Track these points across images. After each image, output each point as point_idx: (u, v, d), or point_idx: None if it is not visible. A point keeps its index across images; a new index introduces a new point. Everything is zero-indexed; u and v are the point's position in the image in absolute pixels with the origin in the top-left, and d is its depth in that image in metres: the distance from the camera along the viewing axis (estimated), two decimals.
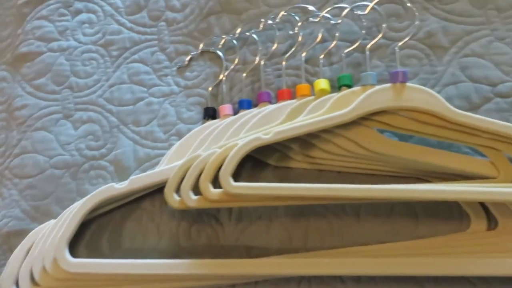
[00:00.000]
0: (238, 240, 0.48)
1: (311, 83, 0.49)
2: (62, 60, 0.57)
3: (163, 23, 0.57)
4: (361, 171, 0.48)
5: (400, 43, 0.45)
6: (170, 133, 0.53)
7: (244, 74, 0.52)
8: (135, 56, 0.57)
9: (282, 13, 0.52)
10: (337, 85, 0.47)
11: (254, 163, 0.50)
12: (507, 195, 0.38)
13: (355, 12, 0.47)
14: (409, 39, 0.46)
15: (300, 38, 0.51)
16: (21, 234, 0.50)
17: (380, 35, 0.47)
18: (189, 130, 0.52)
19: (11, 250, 0.49)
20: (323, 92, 0.47)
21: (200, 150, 0.48)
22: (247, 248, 0.48)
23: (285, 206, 0.48)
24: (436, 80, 0.49)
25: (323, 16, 0.49)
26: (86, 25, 0.59)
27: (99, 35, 0.58)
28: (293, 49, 0.51)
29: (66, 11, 0.60)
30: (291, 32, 0.51)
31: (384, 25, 0.47)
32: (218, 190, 0.44)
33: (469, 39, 0.49)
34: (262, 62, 0.52)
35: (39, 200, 0.52)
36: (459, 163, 0.43)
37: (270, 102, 0.50)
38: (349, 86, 0.46)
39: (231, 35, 0.54)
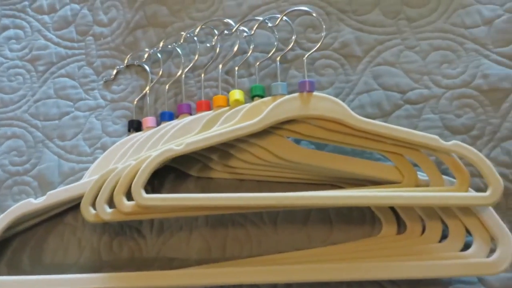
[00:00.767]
0: (160, 252, 0.48)
1: None
2: None
3: (90, 38, 0.58)
4: (279, 180, 0.48)
5: (307, 54, 0.46)
6: (95, 147, 0.53)
7: (167, 87, 0.53)
8: (62, 71, 0.57)
9: (201, 26, 0.53)
10: (250, 96, 0.48)
11: (176, 174, 0.51)
12: (404, 199, 0.39)
13: (268, 24, 0.48)
14: (315, 50, 0.47)
15: (218, 50, 0.51)
16: None
17: (289, 47, 0.48)
18: (114, 143, 0.52)
19: None
20: (237, 103, 0.48)
21: (121, 163, 0.49)
22: (168, 259, 0.48)
23: (205, 216, 0.49)
24: (350, 88, 0.50)
25: (240, 29, 0.50)
26: (13, 40, 0.58)
27: (26, 50, 0.58)
28: (212, 61, 0.52)
29: None
30: (208, 45, 0.52)
31: (293, 37, 0.48)
32: (131, 203, 0.44)
33: (381, 48, 0.50)
34: (183, 75, 0.52)
35: None
36: (367, 169, 0.44)
37: (190, 114, 0.51)
38: (262, 96, 0.47)
39: (155, 48, 0.55)
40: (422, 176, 0.43)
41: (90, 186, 0.46)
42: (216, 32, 0.52)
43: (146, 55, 0.55)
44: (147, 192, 0.50)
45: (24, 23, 0.59)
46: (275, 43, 0.49)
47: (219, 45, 0.52)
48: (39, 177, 0.53)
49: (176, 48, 0.54)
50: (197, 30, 0.52)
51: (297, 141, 0.48)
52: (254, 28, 0.49)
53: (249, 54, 0.50)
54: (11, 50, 0.58)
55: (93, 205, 0.45)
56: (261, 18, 0.49)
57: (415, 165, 0.43)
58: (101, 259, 0.49)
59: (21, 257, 0.50)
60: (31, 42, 0.58)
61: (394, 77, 0.49)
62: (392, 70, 0.49)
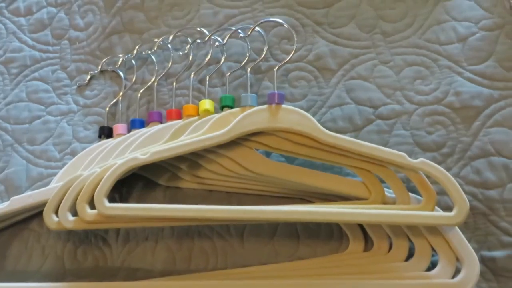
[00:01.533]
0: (125, 262, 0.47)
1: None
2: None
3: (66, 42, 0.57)
4: (248, 192, 0.48)
5: (278, 66, 0.46)
6: (64, 152, 0.52)
7: (139, 94, 0.52)
8: (35, 74, 0.56)
9: (175, 34, 0.52)
10: (219, 106, 0.47)
11: (145, 183, 0.50)
12: (369, 216, 0.39)
13: (240, 34, 0.48)
14: (286, 62, 0.46)
15: (190, 59, 0.51)
16: None
17: (261, 57, 0.47)
18: (84, 149, 0.51)
19: None
20: (206, 113, 0.47)
21: (87, 170, 0.48)
22: (133, 270, 0.47)
23: (171, 227, 0.48)
24: (323, 101, 0.49)
25: (213, 38, 0.50)
26: None
27: (0, 52, 0.57)
28: (184, 69, 0.51)
29: None
30: (180, 53, 0.51)
31: (265, 47, 0.48)
32: (94, 211, 0.43)
33: (356, 62, 0.50)
34: (156, 82, 0.52)
35: None
36: (334, 184, 0.43)
37: (161, 122, 0.50)
38: (231, 107, 0.47)
39: (130, 55, 0.54)
40: (389, 193, 0.43)
41: (54, 193, 0.45)
42: (190, 40, 0.51)
43: (120, 61, 0.54)
44: (115, 200, 0.50)
45: (0, 25, 0.59)
46: (247, 54, 0.49)
47: (192, 54, 0.51)
48: (6, 181, 0.52)
49: (151, 55, 0.53)
50: (170, 38, 0.52)
51: (268, 154, 0.48)
52: (226, 38, 0.48)
53: (221, 63, 0.49)
54: None
55: (57, 212, 0.45)
56: (232, 28, 0.49)
57: (384, 181, 0.43)
58: (64, 268, 0.48)
59: None
60: (5, 44, 0.58)
61: (367, 92, 0.49)
62: (365, 85, 0.49)
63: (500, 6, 0.49)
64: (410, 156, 0.42)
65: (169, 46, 0.52)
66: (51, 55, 0.57)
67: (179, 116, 0.49)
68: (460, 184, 0.41)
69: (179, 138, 0.46)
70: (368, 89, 0.49)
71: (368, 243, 0.44)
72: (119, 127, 0.51)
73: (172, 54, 0.52)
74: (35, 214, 0.49)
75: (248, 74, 0.46)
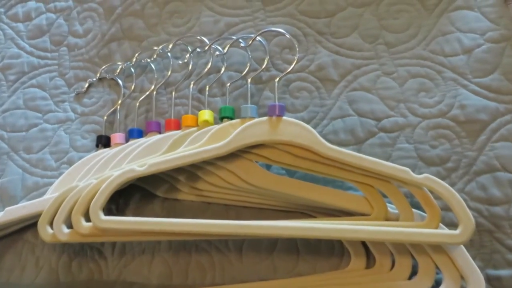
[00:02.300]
0: (121, 276, 0.46)
1: None
2: None
3: (64, 48, 0.56)
4: (247, 205, 0.46)
5: (279, 77, 0.44)
6: (61, 161, 0.51)
7: (137, 103, 0.51)
8: (33, 81, 0.55)
9: (175, 42, 0.51)
10: (218, 117, 0.46)
11: (143, 194, 0.49)
12: (371, 233, 0.38)
13: (241, 44, 0.47)
14: (287, 73, 0.45)
15: (190, 67, 0.50)
16: None
17: (262, 68, 0.46)
18: (81, 158, 0.50)
19: None
20: (206, 124, 0.46)
21: (84, 181, 0.47)
22: (129, 284, 0.46)
23: (168, 240, 0.47)
24: (325, 113, 0.48)
25: (213, 47, 0.49)
26: None
27: None
28: (184, 78, 0.50)
29: None
30: (180, 62, 0.50)
31: (267, 57, 0.47)
32: (89, 224, 0.42)
33: (358, 73, 0.49)
34: (155, 91, 0.51)
35: None
36: (336, 199, 0.42)
37: (159, 132, 0.49)
38: (231, 118, 0.46)
39: (128, 62, 0.53)
40: (392, 208, 0.42)
41: (48, 204, 0.44)
42: (190, 49, 0.51)
43: (119, 69, 0.53)
44: (111, 211, 0.49)
45: None
46: (248, 64, 0.48)
47: (192, 62, 0.50)
48: (1, 191, 0.51)
49: (150, 63, 0.52)
50: (170, 46, 0.51)
51: (268, 166, 0.47)
52: (227, 47, 0.47)
53: (221, 73, 0.48)
54: None
55: (52, 224, 0.44)
56: (233, 37, 0.48)
57: (386, 196, 0.42)
58: (58, 280, 0.47)
59: None
60: (3, 50, 0.57)
61: (369, 103, 0.48)
62: (368, 96, 0.48)
63: (507, 18, 0.48)
64: (413, 170, 0.41)
65: (169, 54, 0.51)
66: (49, 61, 0.56)
67: (178, 126, 0.48)
68: (465, 200, 0.40)
69: (177, 150, 0.45)
70: (371, 101, 0.48)
71: (370, 259, 0.43)
72: (117, 137, 0.50)
73: (171, 63, 0.51)
74: (30, 224, 0.48)
75: (249, 85, 0.45)
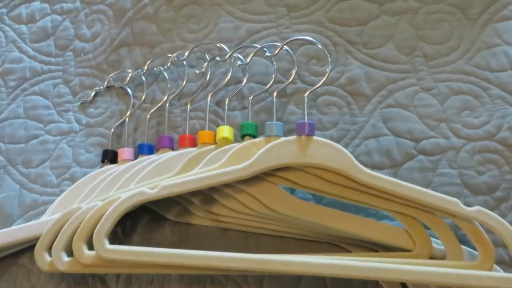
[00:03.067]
0: None
1: None
2: None
3: (70, 53, 0.52)
4: (268, 232, 0.42)
5: (308, 92, 0.40)
6: (63, 177, 0.47)
7: (148, 115, 0.47)
8: (35, 88, 0.51)
9: (191, 49, 0.47)
10: (239, 134, 0.41)
11: (152, 216, 0.44)
12: (416, 274, 0.33)
13: (266, 53, 0.42)
14: (319, 86, 0.41)
15: (208, 77, 0.46)
16: None
17: (289, 81, 0.42)
18: (84, 175, 0.45)
19: None
20: (225, 141, 0.41)
21: (87, 201, 0.42)
22: None
23: None
24: (356, 131, 0.44)
25: (234, 56, 0.44)
26: None
27: None
28: (201, 89, 0.46)
29: None
30: (196, 71, 0.46)
31: (295, 69, 0.42)
32: (92, 253, 0.37)
33: (394, 87, 0.44)
34: (168, 102, 0.46)
35: None
36: (371, 231, 0.37)
37: (172, 148, 0.45)
38: (254, 136, 0.41)
39: (140, 70, 0.49)
40: (435, 243, 0.37)
41: (47, 227, 0.39)
42: (207, 57, 0.46)
43: (129, 77, 0.49)
44: (117, 235, 0.44)
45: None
46: (273, 75, 0.43)
47: (210, 72, 0.46)
48: None
49: (163, 71, 0.48)
50: (186, 53, 0.46)
51: (292, 190, 0.42)
52: (250, 56, 0.43)
53: (243, 85, 0.44)
54: None
55: (50, 250, 0.39)
56: (258, 46, 0.43)
57: (427, 227, 0.37)
58: None
59: None
60: (4, 53, 0.53)
61: (407, 122, 0.43)
62: (405, 114, 0.43)
63: None
64: (458, 199, 0.36)
65: (184, 62, 0.47)
66: (53, 67, 0.51)
67: (193, 143, 0.43)
68: None
69: (192, 170, 0.40)
70: (409, 119, 0.43)
71: None
72: (125, 152, 0.45)
73: (187, 72, 0.47)
74: (26, 247, 0.44)
75: (274, 99, 0.41)
